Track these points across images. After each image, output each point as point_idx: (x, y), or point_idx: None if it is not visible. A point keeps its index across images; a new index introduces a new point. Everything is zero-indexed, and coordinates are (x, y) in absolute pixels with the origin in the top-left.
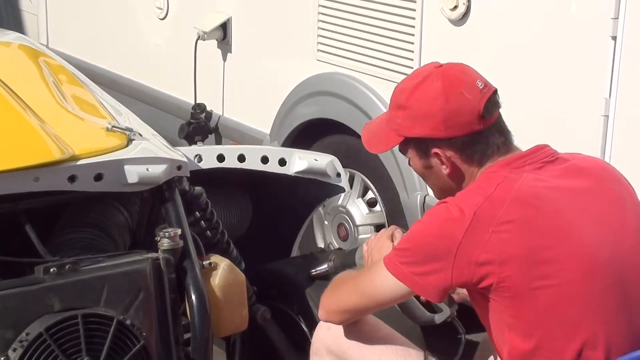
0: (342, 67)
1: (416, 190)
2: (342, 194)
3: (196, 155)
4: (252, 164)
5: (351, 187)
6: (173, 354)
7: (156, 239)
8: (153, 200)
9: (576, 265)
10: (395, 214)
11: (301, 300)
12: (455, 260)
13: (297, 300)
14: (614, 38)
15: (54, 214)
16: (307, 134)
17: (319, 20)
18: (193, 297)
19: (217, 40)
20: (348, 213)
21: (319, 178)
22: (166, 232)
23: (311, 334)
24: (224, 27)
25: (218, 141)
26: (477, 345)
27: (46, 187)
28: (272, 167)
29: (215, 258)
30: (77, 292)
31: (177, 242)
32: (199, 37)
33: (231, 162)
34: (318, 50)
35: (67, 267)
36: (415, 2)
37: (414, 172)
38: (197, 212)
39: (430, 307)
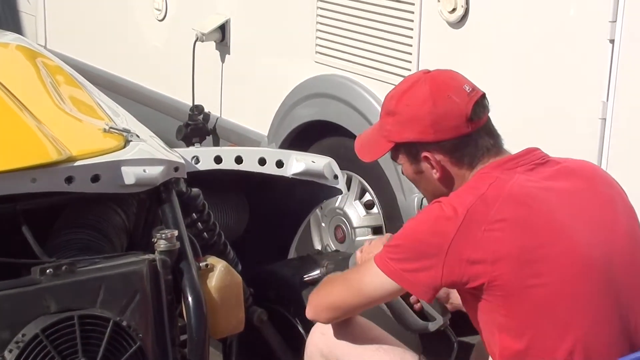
0: (341, 69)
1: (413, 193)
2: (340, 196)
3: (193, 157)
4: (250, 165)
5: (348, 189)
6: (169, 356)
7: (153, 240)
8: (150, 202)
9: (568, 264)
10: (393, 216)
11: (298, 303)
12: (447, 258)
13: (293, 303)
14: (612, 41)
15: (51, 215)
16: (305, 136)
17: (317, 22)
18: (189, 298)
19: (215, 41)
20: (345, 215)
21: (317, 180)
22: (163, 233)
23: (307, 336)
24: (223, 28)
25: (216, 143)
26: (472, 348)
27: (43, 188)
28: (270, 168)
29: (212, 260)
30: (74, 293)
31: (173, 243)
32: (197, 38)
33: (228, 164)
34: (316, 52)
35: (63, 268)
36: (413, 4)
37: None
38: (194, 214)
39: (423, 315)
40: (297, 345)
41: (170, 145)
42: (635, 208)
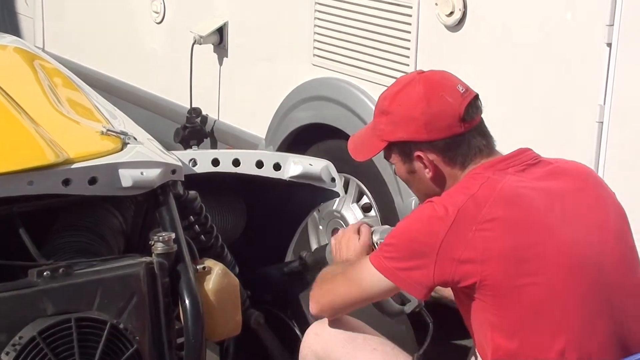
0: (338, 72)
1: (411, 195)
2: (337, 199)
3: (191, 160)
4: (247, 168)
5: (346, 192)
6: (166, 358)
7: (150, 243)
8: (147, 204)
9: (559, 263)
10: (390, 219)
11: (295, 305)
12: (438, 258)
13: (290, 305)
14: (609, 45)
15: (48, 218)
16: (303, 139)
17: (315, 25)
18: (186, 301)
19: (213, 44)
20: (343, 218)
21: (314, 183)
22: (160, 236)
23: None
24: (221, 31)
25: (213, 145)
26: (470, 350)
27: (40, 191)
28: (267, 171)
29: (209, 262)
30: (71, 296)
31: (171, 246)
32: (195, 41)
33: (226, 167)
34: (314, 55)
35: (60, 270)
36: (411, 7)
37: None
38: (191, 216)
39: (398, 298)
40: (294, 348)
41: (168, 147)
42: (631, 211)
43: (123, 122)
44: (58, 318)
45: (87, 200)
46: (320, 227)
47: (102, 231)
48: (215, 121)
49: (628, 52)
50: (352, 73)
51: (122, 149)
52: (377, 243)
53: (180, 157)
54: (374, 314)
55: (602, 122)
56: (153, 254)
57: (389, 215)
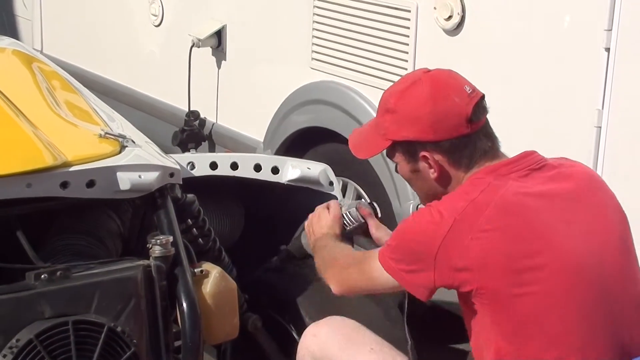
0: (337, 75)
1: (408, 199)
2: None
3: (189, 163)
4: (245, 171)
5: (344, 195)
6: None
7: (148, 246)
8: (145, 208)
9: (559, 273)
10: (388, 223)
11: (292, 309)
12: (436, 264)
13: (288, 309)
14: (607, 50)
15: (46, 220)
16: (301, 142)
17: (313, 29)
18: (184, 304)
19: (211, 47)
20: None
21: (312, 186)
22: (158, 239)
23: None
24: (219, 34)
25: (211, 149)
26: (468, 354)
27: (38, 193)
28: (265, 175)
29: (207, 266)
30: (68, 299)
31: (168, 249)
32: (193, 44)
33: (224, 170)
34: (312, 58)
35: (58, 273)
36: (409, 11)
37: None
38: (189, 220)
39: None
40: (291, 351)
41: (166, 151)
42: (631, 215)
43: (121, 125)
44: (55, 321)
45: (85, 203)
46: None
47: (100, 234)
48: (213, 124)
49: (626, 57)
50: (351, 77)
51: (120, 152)
52: (346, 214)
53: (179, 160)
54: (371, 314)
55: (600, 127)
56: (151, 257)
57: (387, 218)
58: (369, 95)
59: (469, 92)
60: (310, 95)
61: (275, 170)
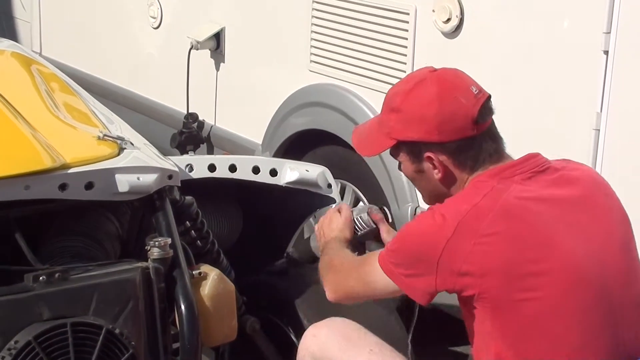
0: (335, 78)
1: (407, 202)
2: (333, 205)
3: (187, 165)
4: (243, 174)
5: (342, 198)
6: None
7: (146, 248)
8: (144, 210)
9: (561, 278)
10: None
11: (290, 311)
12: (438, 268)
13: (286, 311)
14: (606, 52)
15: (45, 222)
16: (299, 145)
17: (312, 32)
18: (182, 306)
19: (210, 50)
20: None
21: (310, 189)
22: (156, 241)
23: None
24: (218, 37)
25: (210, 151)
26: (468, 357)
27: (37, 195)
28: (263, 177)
29: (205, 268)
30: (67, 301)
31: (167, 251)
32: (192, 46)
33: (222, 172)
34: (311, 61)
35: (56, 275)
36: (408, 14)
37: (405, 184)
38: (187, 222)
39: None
40: (289, 353)
41: (164, 153)
42: (630, 218)
43: (120, 127)
44: (54, 323)
45: (83, 205)
46: None
47: (99, 236)
48: (211, 126)
49: (625, 60)
50: (349, 79)
51: (118, 154)
52: (357, 218)
53: (177, 162)
54: (371, 316)
55: (598, 130)
56: (149, 259)
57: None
58: (368, 97)
59: (475, 92)
60: (308, 97)
61: (273, 173)
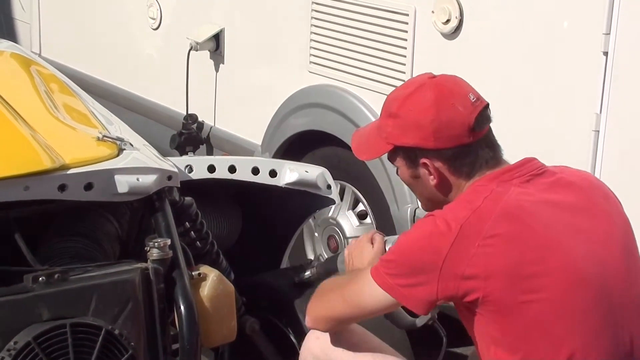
0: (335, 79)
1: (407, 203)
2: (333, 206)
3: (187, 166)
4: (243, 175)
5: (342, 199)
6: None
7: (145, 249)
8: (143, 210)
9: (562, 279)
10: (386, 227)
11: (290, 312)
12: (441, 274)
13: (286, 312)
14: (606, 53)
15: (44, 223)
16: (299, 146)
17: (311, 32)
18: (182, 307)
19: (209, 51)
20: (338, 225)
21: (310, 190)
22: (155, 242)
23: (300, 346)
24: (217, 38)
25: (209, 152)
26: (467, 358)
27: (36, 196)
28: (263, 178)
29: (205, 269)
30: (66, 301)
31: (166, 252)
32: (191, 47)
33: (222, 173)
34: (310, 62)
35: (56, 276)
36: (407, 15)
37: (405, 185)
38: (187, 223)
39: (411, 311)
40: (289, 354)
41: (164, 154)
42: (630, 219)
43: (119, 128)
44: (53, 323)
45: (83, 205)
46: (316, 234)
47: (98, 237)
48: (211, 127)
49: (625, 61)
50: (349, 80)
51: (118, 155)
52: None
53: (176, 163)
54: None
55: (598, 131)
56: (148, 260)
57: (384, 222)
58: (367, 98)
59: (473, 100)
60: (308, 98)
61: (273, 174)
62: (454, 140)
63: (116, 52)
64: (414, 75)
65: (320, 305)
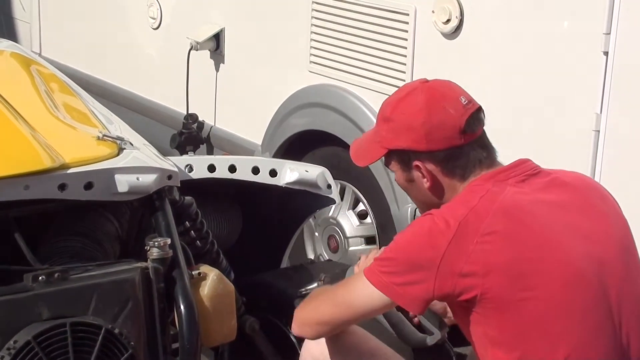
0: (335, 79)
1: (407, 203)
2: (333, 206)
3: (187, 165)
4: (243, 174)
5: (342, 198)
6: None
7: (146, 248)
8: (143, 210)
9: (560, 276)
10: (386, 226)
11: (290, 312)
12: (439, 271)
13: (286, 312)
14: (606, 53)
15: (44, 222)
16: (299, 146)
17: (311, 32)
18: (182, 306)
19: (210, 50)
20: (339, 225)
21: (310, 189)
22: (156, 241)
23: (300, 345)
24: (217, 37)
25: (209, 151)
26: (465, 359)
27: (36, 195)
28: (263, 177)
29: (205, 268)
30: (66, 301)
31: (166, 251)
32: (191, 47)
33: (222, 173)
34: (310, 62)
35: (56, 275)
36: (408, 15)
37: None
38: (187, 222)
39: (421, 329)
40: (289, 354)
41: (164, 153)
42: (630, 219)
43: (119, 127)
44: (53, 322)
45: (83, 205)
46: (316, 233)
47: (98, 236)
48: (211, 127)
49: (625, 61)
50: (349, 80)
51: (118, 154)
52: None
53: (177, 162)
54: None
55: (598, 131)
56: (148, 260)
57: (385, 222)
58: (367, 98)
59: (464, 103)
60: (308, 98)
61: (273, 173)
62: (445, 142)
63: (116, 52)
64: (414, 74)
65: (307, 309)
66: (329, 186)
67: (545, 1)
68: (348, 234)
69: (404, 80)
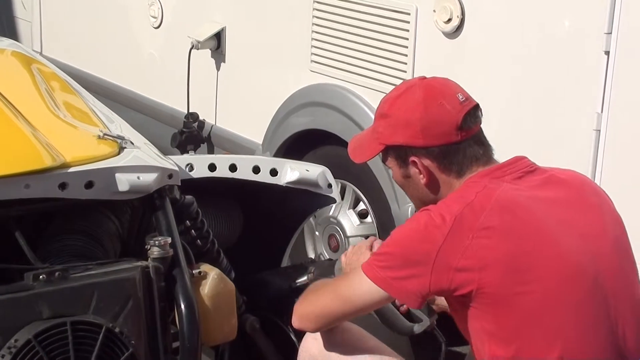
0: (336, 78)
1: (407, 202)
2: (333, 205)
3: (187, 164)
4: (244, 173)
5: (342, 198)
6: None
7: (146, 247)
8: (144, 209)
9: (555, 271)
10: (386, 226)
11: (290, 311)
12: (435, 266)
13: (286, 311)
14: (607, 53)
15: (45, 221)
16: (300, 145)
17: (312, 31)
18: (182, 306)
19: (211, 49)
20: (339, 224)
21: (310, 189)
22: (156, 240)
23: (300, 344)
24: (218, 36)
25: (210, 150)
26: (464, 358)
27: (37, 194)
28: (264, 177)
29: (205, 267)
30: (66, 300)
31: (167, 250)
32: (192, 46)
33: (222, 172)
34: (312, 61)
35: (56, 274)
36: (409, 14)
37: None
38: (187, 221)
39: (409, 317)
40: (289, 353)
41: (165, 152)
42: (628, 219)
43: (120, 126)
44: (54, 321)
45: (83, 204)
46: (317, 232)
47: (99, 235)
48: (212, 126)
49: (626, 60)
50: (350, 79)
51: (118, 153)
52: None
53: (177, 161)
54: (373, 318)
55: (599, 131)
56: (149, 259)
57: (385, 221)
58: (368, 97)
59: (461, 100)
60: (309, 97)
61: (273, 172)
62: (441, 138)
63: (117, 51)
64: (415, 74)
65: (308, 303)
66: (330, 185)
67: (546, 1)
68: (348, 233)
69: (405, 79)
